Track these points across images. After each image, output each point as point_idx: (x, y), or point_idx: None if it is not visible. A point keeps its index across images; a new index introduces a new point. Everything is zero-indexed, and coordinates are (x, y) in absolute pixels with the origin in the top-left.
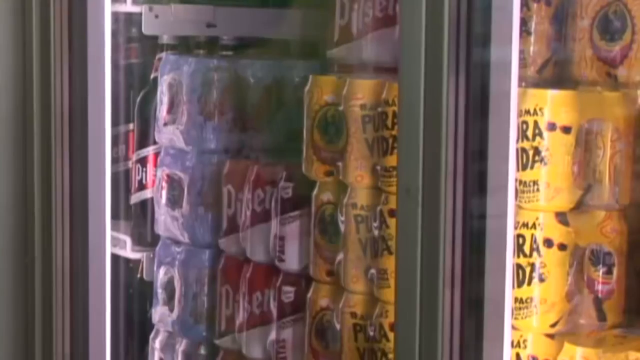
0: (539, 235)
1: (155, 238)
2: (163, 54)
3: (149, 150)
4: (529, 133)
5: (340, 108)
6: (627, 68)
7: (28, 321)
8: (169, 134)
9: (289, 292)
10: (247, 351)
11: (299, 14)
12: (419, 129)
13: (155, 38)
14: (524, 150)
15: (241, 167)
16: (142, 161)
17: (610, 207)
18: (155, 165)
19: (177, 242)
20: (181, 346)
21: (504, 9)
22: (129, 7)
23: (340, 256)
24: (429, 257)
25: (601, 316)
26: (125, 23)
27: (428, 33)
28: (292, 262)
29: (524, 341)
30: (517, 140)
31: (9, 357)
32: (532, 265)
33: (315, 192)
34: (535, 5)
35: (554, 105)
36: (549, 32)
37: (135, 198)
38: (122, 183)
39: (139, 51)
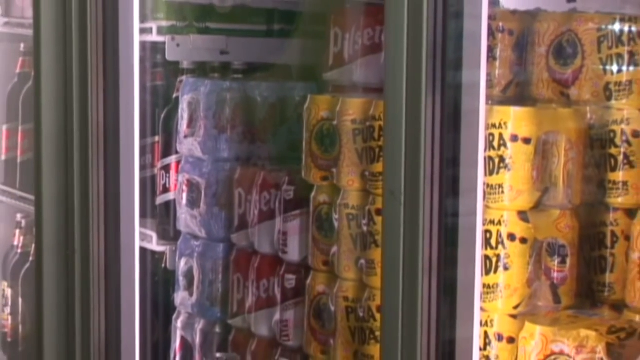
0: (504, 231)
1: (177, 233)
2: (183, 77)
3: (172, 159)
4: (495, 143)
5: (334, 123)
6: (578, 88)
7: (69, 304)
8: (188, 145)
9: (291, 280)
10: (255, 329)
11: (299, 43)
12: (402, 140)
13: (176, 63)
14: (490, 158)
15: (250, 173)
16: (166, 168)
17: (564, 207)
18: (177, 172)
19: (196, 237)
20: (199, 325)
21: (474, 38)
22: (154, 37)
23: (334, 249)
24: (410, 249)
25: (557, 299)
26: (152, 51)
27: (409, 59)
28: (293, 253)
29: (491, 321)
30: (485, 150)
31: (53, 334)
32: (498, 256)
33: (313, 194)
34: (500, 35)
35: (516, 120)
36: (511, 58)
37: (160, 199)
38: (149, 187)
39: (163, 75)
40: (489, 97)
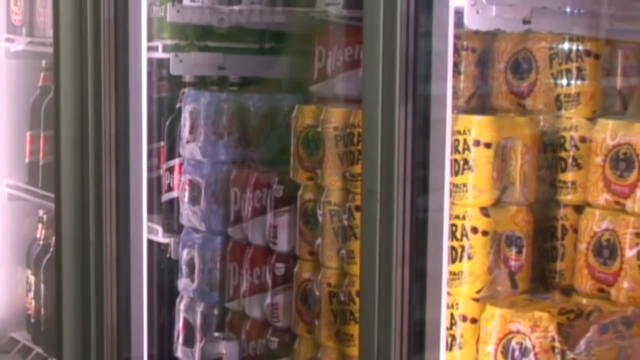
0: (468, 225)
1: (180, 227)
2: (186, 89)
3: (175, 162)
4: (460, 148)
5: (319, 129)
6: (532, 99)
7: (85, 290)
8: (190, 149)
9: (280, 268)
10: (249, 312)
11: (288, 59)
12: (378, 145)
13: (179, 77)
14: (456, 160)
15: (244, 174)
16: (170, 170)
17: (521, 203)
18: (180, 173)
19: (197, 230)
20: (200, 308)
21: (441, 55)
22: (160, 54)
23: (318, 240)
24: (385, 241)
25: (514, 285)
26: (157, 66)
27: (384, 73)
28: (282, 245)
29: (457, 304)
30: (451, 153)
31: (71, 316)
32: (463, 247)
33: (300, 192)
34: (464, 52)
35: (478, 127)
36: (474, 73)
37: (165, 197)
38: (155, 186)
39: (168, 87)
40: (454, 107)
